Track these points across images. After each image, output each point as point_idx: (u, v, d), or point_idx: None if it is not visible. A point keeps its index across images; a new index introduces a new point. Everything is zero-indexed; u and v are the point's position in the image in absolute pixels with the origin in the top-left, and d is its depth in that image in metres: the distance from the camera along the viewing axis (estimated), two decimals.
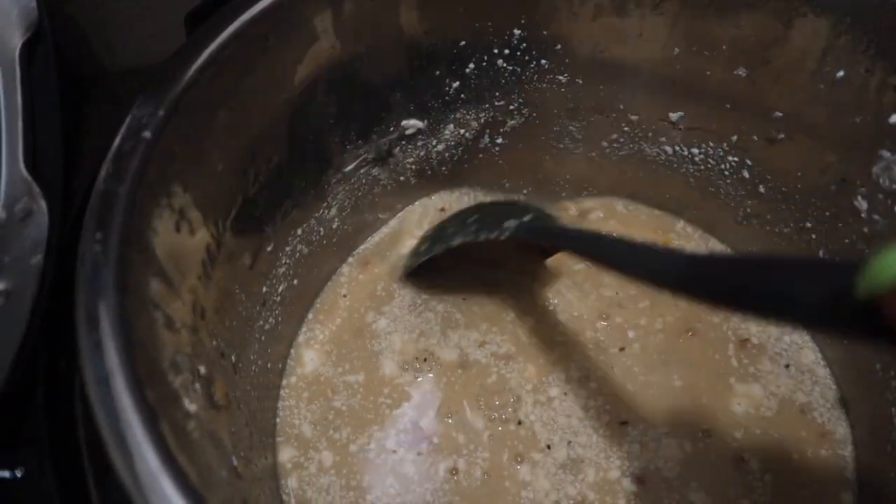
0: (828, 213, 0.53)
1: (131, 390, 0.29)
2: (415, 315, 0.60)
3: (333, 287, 0.61)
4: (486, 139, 0.61)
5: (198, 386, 0.38)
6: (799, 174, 0.54)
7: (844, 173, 0.51)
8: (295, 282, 0.55)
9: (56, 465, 0.32)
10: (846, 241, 0.52)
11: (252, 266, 0.49)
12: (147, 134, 0.36)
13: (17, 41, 0.40)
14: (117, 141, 0.36)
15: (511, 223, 0.54)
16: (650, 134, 0.60)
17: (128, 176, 0.35)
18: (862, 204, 0.50)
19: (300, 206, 0.53)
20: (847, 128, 0.49)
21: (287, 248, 0.54)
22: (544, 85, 0.58)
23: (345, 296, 0.61)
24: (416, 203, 0.65)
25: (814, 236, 0.55)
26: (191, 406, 0.35)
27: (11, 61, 0.39)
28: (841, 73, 0.48)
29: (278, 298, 0.54)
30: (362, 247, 0.63)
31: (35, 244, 0.36)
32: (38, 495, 0.32)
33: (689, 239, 0.65)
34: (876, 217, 0.50)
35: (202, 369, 0.40)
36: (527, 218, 0.55)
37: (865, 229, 0.51)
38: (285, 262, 0.54)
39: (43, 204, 0.37)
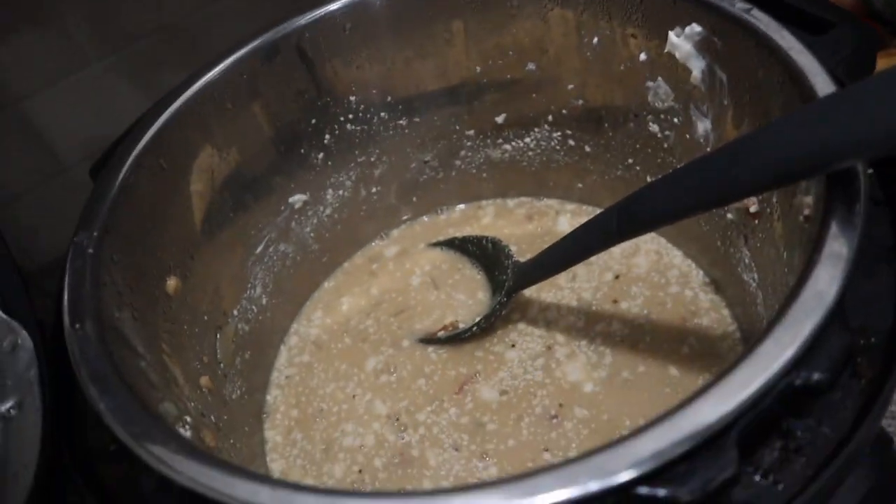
0: (638, 146, 0.66)
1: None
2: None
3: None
4: (363, 192, 0.73)
5: (188, 429, 0.47)
6: (606, 125, 0.68)
7: (635, 109, 0.64)
8: (247, 355, 0.65)
9: None
10: (659, 160, 0.65)
11: (202, 344, 0.59)
12: (91, 250, 0.47)
13: None
14: (69, 263, 0.46)
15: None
16: (488, 140, 0.73)
17: (85, 280, 0.45)
18: (654, 128, 0.63)
19: (228, 289, 0.63)
20: (620, 74, 0.63)
21: (228, 329, 0.63)
22: (390, 132, 0.70)
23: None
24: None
25: (638, 168, 0.68)
26: (186, 433, 0.45)
27: None
28: (596, 40, 0.62)
29: (234, 371, 0.63)
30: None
31: (28, 363, 0.45)
32: None
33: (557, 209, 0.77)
34: (668, 133, 0.63)
35: (188, 419, 0.48)
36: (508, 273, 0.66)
37: (665, 145, 0.64)
38: (233, 341, 0.63)
39: (24, 333, 0.47)
